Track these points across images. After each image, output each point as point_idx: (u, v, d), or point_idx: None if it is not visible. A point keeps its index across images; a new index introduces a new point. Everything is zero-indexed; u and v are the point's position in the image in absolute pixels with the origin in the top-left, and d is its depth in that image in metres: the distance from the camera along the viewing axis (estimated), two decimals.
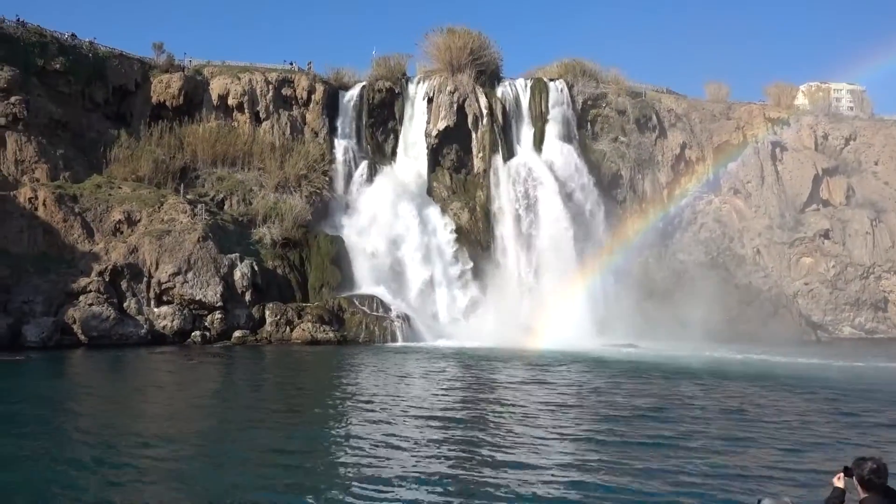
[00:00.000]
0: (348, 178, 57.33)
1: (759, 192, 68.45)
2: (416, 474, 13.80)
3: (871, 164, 72.90)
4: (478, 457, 15.23)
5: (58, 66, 51.16)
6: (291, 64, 60.64)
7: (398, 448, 15.97)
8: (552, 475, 13.84)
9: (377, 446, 16.02)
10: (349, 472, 14.04)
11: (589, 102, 64.96)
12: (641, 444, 16.84)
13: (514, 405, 22.58)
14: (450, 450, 15.91)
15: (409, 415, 20.31)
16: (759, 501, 5.66)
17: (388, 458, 14.96)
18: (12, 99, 47.16)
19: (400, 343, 46.66)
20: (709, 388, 27.31)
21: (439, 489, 12.94)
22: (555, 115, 61.60)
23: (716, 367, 34.91)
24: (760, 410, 22.18)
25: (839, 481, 6.05)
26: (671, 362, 36.86)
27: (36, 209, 45.82)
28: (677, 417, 20.48)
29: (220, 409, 22.63)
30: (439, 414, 20.56)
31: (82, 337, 40.94)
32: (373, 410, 21.17)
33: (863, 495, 5.77)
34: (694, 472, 14.23)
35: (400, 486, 13.12)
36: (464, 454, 15.50)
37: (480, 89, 60.28)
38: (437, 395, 25.05)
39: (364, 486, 13.00)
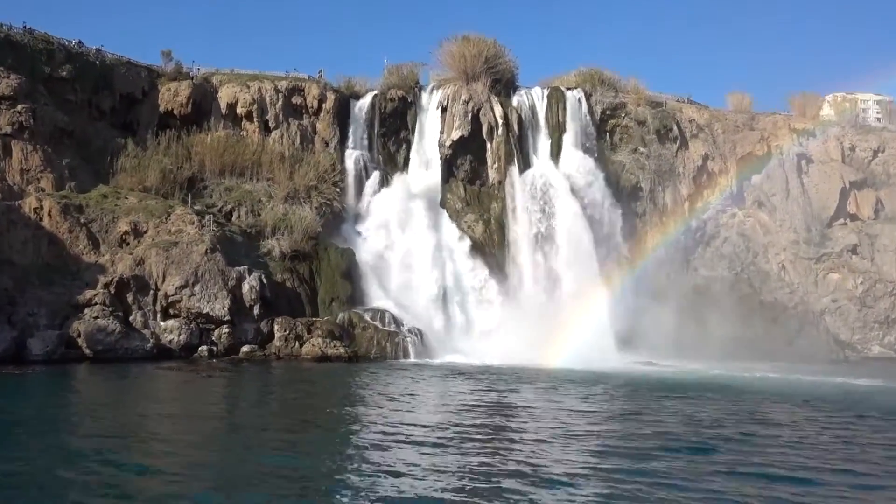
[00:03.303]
0: (359, 189, 57.18)
1: (784, 206, 67.66)
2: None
3: None
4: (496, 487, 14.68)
5: (64, 73, 51.42)
6: (294, 70, 60.56)
7: (406, 474, 15.45)
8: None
9: (388, 478, 15.45)
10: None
11: (608, 112, 64.65)
12: (681, 476, 15.95)
13: (537, 426, 22.00)
14: (459, 477, 15.29)
15: (416, 441, 19.44)
16: None
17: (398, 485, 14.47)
18: (18, 107, 47.31)
19: (412, 360, 46.22)
20: (748, 411, 26.59)
21: None
22: (572, 125, 61.22)
23: (749, 387, 34.20)
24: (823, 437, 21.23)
25: None
26: (698, 382, 36.21)
27: (41, 219, 45.82)
28: (715, 447, 19.51)
29: (225, 433, 21.99)
30: (450, 442, 19.82)
31: (87, 351, 40.75)
32: (383, 436, 20.37)
33: None
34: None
35: None
36: (473, 484, 14.93)
37: (496, 98, 60.08)
38: (451, 422, 23.97)
39: None
